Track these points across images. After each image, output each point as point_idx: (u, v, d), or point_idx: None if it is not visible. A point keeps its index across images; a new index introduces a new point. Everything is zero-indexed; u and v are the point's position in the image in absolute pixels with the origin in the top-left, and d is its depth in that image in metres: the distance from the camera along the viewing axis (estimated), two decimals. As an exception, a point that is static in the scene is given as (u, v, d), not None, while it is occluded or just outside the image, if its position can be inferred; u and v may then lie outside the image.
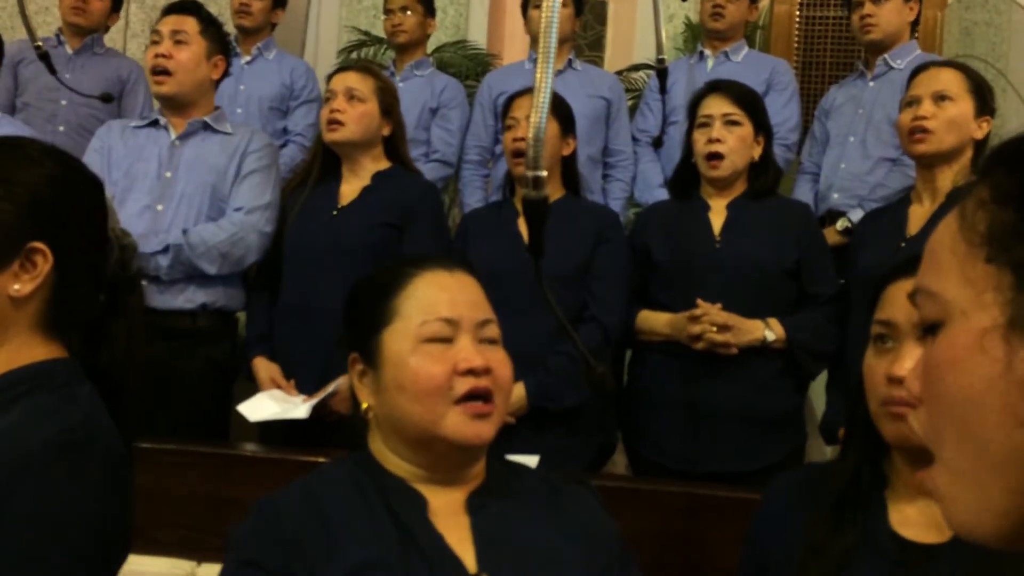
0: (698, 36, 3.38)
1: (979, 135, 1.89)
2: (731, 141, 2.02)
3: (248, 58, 3.09)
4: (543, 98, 0.67)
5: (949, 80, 1.88)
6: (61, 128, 2.87)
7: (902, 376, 0.95)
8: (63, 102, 2.89)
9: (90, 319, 0.95)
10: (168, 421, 2.05)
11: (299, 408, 1.94)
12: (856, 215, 2.32)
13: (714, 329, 1.91)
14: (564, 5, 2.80)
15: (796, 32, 3.34)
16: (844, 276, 2.02)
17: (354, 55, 3.93)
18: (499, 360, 1.01)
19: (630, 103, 3.23)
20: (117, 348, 0.95)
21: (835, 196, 2.50)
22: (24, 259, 0.89)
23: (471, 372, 0.97)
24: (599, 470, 2.12)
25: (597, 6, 4.24)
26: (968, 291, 0.48)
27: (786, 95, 2.81)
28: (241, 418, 2.42)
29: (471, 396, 0.97)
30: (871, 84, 2.64)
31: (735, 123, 2.02)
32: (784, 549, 1.06)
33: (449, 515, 0.98)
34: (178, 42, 2.18)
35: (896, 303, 0.99)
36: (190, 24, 2.19)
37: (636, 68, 3.65)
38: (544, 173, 0.69)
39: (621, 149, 2.88)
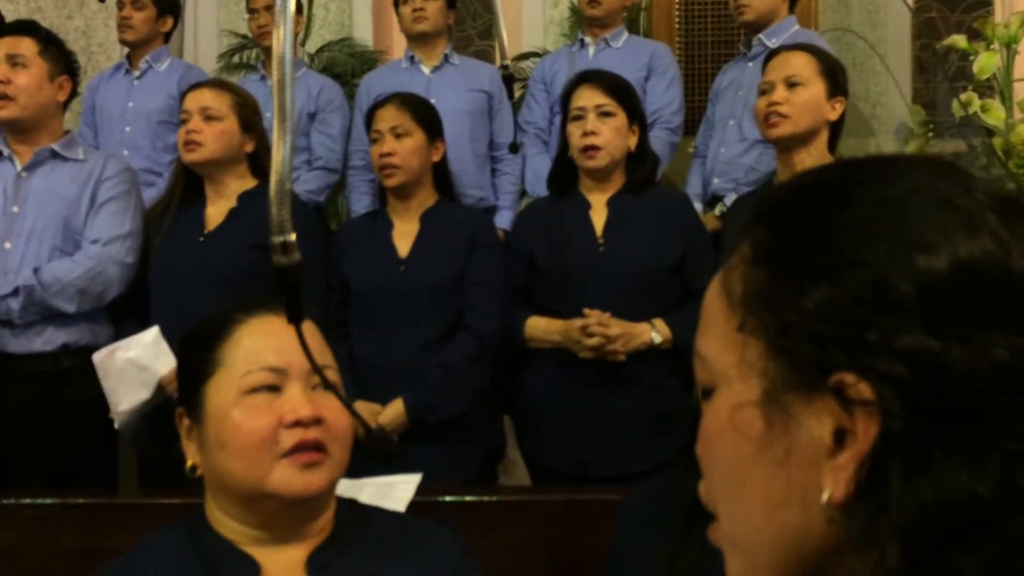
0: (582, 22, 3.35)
1: (833, 116, 1.91)
2: (606, 133, 2.01)
3: (138, 73, 2.93)
4: (284, 154, 0.61)
5: (799, 65, 1.89)
6: None
7: None
8: None
9: None
10: (42, 470, 1.95)
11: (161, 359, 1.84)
12: (731, 199, 2.33)
13: (603, 338, 1.90)
14: None
15: (677, 13, 3.34)
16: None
17: (235, 59, 3.78)
18: (333, 408, 0.95)
19: (519, 93, 3.19)
20: None
21: (716, 181, 2.51)
22: None
23: (299, 423, 0.92)
24: (490, 476, 2.10)
25: (485, -6, 4.17)
26: (730, 358, 0.45)
27: (667, 78, 2.80)
28: (128, 459, 2.30)
29: (299, 449, 0.92)
30: (750, 65, 2.64)
31: (609, 114, 2.02)
32: (641, 565, 1.04)
33: None
34: (15, 65, 2.05)
35: None
36: (26, 46, 2.06)
37: (524, 56, 3.60)
38: (293, 237, 0.62)
39: (507, 142, 2.84)
